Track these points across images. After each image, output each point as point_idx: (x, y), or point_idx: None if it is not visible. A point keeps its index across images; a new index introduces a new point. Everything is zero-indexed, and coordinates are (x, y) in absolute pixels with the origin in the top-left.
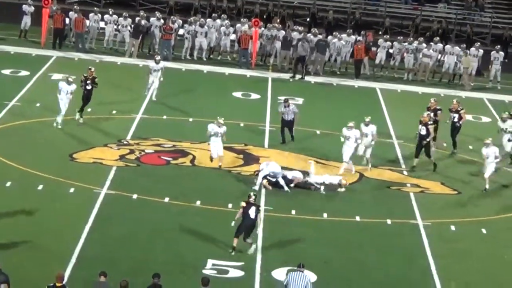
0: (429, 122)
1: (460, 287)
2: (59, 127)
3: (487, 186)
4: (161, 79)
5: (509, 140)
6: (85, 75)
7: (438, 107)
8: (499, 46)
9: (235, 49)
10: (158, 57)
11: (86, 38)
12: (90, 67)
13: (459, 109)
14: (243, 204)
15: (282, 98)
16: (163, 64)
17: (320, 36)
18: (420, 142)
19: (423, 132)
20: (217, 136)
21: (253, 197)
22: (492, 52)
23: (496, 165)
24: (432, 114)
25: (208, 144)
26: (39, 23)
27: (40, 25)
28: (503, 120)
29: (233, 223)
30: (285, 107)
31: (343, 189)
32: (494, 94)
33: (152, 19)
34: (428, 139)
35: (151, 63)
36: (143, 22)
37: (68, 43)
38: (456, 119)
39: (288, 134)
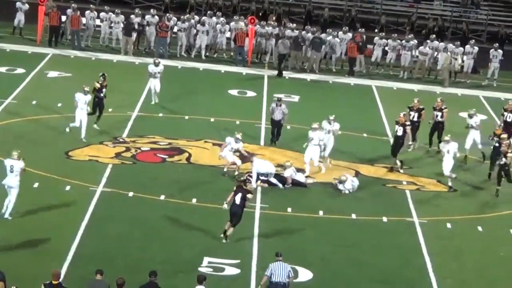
0: (407, 123)
1: (456, 284)
2: (67, 130)
3: (450, 184)
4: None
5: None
6: (99, 82)
7: (421, 107)
8: (497, 44)
9: (232, 46)
10: (157, 60)
11: (82, 36)
12: (104, 73)
13: (442, 107)
14: (234, 187)
15: (280, 95)
16: (162, 66)
17: (308, 34)
18: (395, 143)
19: (399, 133)
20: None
21: (247, 181)
22: (491, 50)
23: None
24: (416, 115)
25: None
26: (33, 20)
27: (35, 23)
28: (470, 116)
29: (225, 205)
30: (276, 105)
31: (311, 181)
32: (490, 92)
33: (147, 16)
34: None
35: (150, 66)
36: (135, 19)
37: (64, 40)
38: (439, 118)
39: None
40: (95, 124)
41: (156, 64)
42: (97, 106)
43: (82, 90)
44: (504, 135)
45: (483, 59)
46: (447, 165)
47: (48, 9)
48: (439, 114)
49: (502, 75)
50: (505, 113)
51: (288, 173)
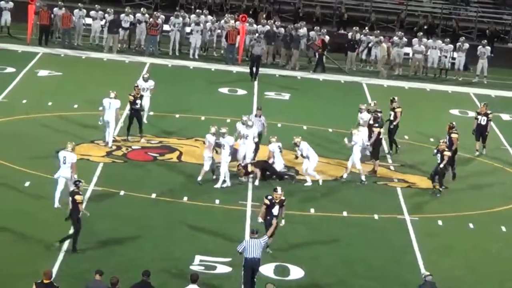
0: (375, 125)
1: (447, 281)
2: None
3: (363, 178)
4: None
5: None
6: (132, 94)
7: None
8: (485, 41)
9: (222, 45)
10: (146, 75)
11: (72, 35)
12: (136, 85)
13: (488, 112)
14: (268, 202)
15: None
16: (152, 82)
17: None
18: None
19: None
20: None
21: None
22: (479, 47)
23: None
24: (485, 118)
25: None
26: (19, 19)
27: (21, 21)
28: (360, 111)
29: (259, 220)
30: (256, 116)
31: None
32: (481, 89)
33: (137, 14)
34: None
35: (139, 81)
36: (125, 18)
37: (54, 39)
38: (392, 118)
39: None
40: (142, 139)
41: (146, 79)
42: (134, 117)
43: (108, 95)
44: (447, 153)
45: (473, 56)
46: (356, 157)
47: (38, 8)
48: (484, 118)
49: (492, 72)
50: (479, 117)
51: (272, 147)
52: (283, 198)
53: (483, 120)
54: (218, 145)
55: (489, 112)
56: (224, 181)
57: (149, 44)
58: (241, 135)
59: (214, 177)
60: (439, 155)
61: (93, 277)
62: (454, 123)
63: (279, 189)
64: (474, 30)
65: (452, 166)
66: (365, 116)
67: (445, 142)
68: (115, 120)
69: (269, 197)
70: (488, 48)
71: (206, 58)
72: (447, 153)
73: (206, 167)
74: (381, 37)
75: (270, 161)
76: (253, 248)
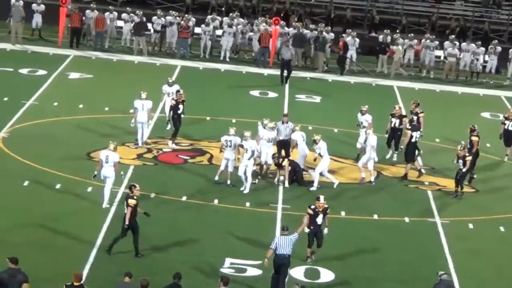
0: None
1: (477, 285)
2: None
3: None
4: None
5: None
6: (174, 98)
7: (403, 114)
8: (496, 41)
9: (254, 48)
10: (171, 80)
11: (104, 37)
12: (179, 90)
13: (402, 114)
14: (311, 211)
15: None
16: (177, 86)
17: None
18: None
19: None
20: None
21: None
22: (510, 50)
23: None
24: (397, 122)
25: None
26: (51, 21)
27: (52, 24)
28: (362, 113)
29: (306, 230)
30: (282, 123)
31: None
32: None
33: (168, 17)
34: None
35: (164, 86)
36: (157, 20)
37: (86, 41)
38: (397, 125)
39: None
40: (170, 142)
41: (170, 84)
42: (176, 123)
43: (139, 97)
44: (469, 158)
45: (505, 60)
46: (322, 164)
47: (70, 10)
48: (397, 121)
49: None
50: (506, 122)
51: (295, 136)
52: (326, 206)
53: (510, 125)
54: (241, 146)
55: None
56: (252, 183)
57: (180, 46)
58: (260, 137)
59: (229, 182)
60: (461, 161)
61: (122, 280)
62: (475, 126)
63: (321, 197)
64: (505, 33)
65: (471, 169)
66: (369, 118)
67: (463, 148)
68: (147, 120)
69: (312, 207)
70: None
71: (237, 61)
72: (469, 158)
73: (222, 166)
74: (415, 40)
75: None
76: (284, 245)
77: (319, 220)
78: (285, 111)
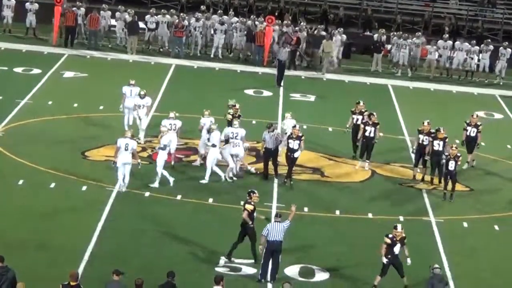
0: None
1: (472, 284)
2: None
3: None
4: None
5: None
6: (230, 113)
7: (431, 131)
8: (506, 43)
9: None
10: (143, 92)
11: (100, 36)
12: (234, 104)
13: (375, 122)
14: (389, 241)
15: (296, 95)
16: (149, 99)
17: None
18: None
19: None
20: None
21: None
22: (500, 48)
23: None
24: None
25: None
26: (45, 20)
27: (47, 23)
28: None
29: (384, 260)
30: (268, 132)
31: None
32: (506, 91)
33: (159, 16)
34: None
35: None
36: (150, 19)
37: (81, 40)
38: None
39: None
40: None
41: (142, 96)
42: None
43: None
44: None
45: (498, 58)
46: (210, 156)
47: (64, 9)
48: (474, 130)
49: None
50: (468, 128)
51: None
52: (403, 235)
53: (472, 131)
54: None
55: (479, 123)
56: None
57: (174, 45)
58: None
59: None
60: (453, 161)
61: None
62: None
63: (399, 226)
64: (500, 31)
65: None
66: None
67: (456, 147)
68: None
69: (390, 236)
70: (509, 50)
71: (232, 60)
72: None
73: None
74: (465, 43)
75: (283, 139)
76: (275, 231)
77: (397, 250)
78: (280, 112)
